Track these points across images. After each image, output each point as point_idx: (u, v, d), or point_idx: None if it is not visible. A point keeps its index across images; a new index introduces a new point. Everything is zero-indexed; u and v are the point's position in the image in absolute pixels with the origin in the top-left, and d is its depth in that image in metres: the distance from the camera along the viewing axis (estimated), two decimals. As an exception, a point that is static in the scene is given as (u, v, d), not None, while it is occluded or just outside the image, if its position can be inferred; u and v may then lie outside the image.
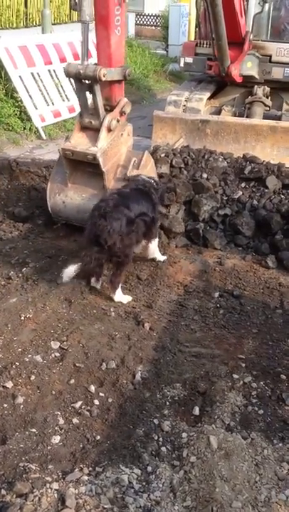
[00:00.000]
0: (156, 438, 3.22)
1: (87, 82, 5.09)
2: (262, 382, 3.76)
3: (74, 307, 4.49)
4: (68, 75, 5.19)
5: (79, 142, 5.36)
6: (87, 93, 5.20)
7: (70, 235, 5.73)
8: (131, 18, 21.91)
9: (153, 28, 24.96)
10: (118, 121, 5.38)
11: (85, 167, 5.51)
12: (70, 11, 17.63)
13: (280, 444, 3.22)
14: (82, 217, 5.25)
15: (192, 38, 13.79)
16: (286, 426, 3.40)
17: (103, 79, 4.93)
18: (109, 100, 5.40)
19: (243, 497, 2.80)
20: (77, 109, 11.21)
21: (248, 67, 9.17)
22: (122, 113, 5.45)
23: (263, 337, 4.31)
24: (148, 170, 5.70)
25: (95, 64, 5.13)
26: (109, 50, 5.21)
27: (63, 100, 10.96)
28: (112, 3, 4.99)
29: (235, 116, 9.34)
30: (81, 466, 2.97)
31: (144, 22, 25.94)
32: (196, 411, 3.49)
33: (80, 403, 3.49)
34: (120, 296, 4.61)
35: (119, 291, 4.60)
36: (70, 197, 5.62)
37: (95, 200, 5.17)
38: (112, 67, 5.23)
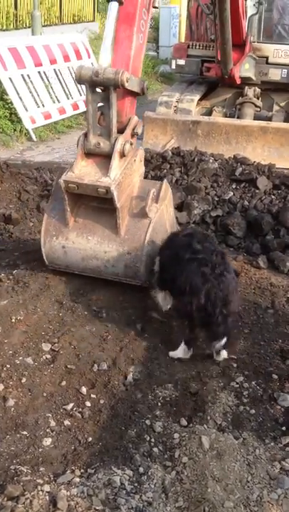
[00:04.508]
0: (148, 439, 3.21)
1: (101, 90, 4.25)
2: (254, 382, 3.76)
3: (65, 309, 4.47)
4: (80, 80, 4.20)
5: (85, 172, 4.37)
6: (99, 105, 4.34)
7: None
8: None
9: (144, 29, 25.00)
10: (131, 144, 4.44)
11: (89, 201, 4.53)
12: (61, 13, 17.58)
13: (272, 444, 3.22)
14: (88, 266, 4.60)
15: (183, 39, 13.80)
16: (278, 425, 3.41)
17: (126, 85, 4.12)
18: (119, 116, 4.43)
19: (235, 497, 2.80)
20: (68, 111, 11.42)
21: (245, 68, 9.22)
22: (133, 134, 4.54)
23: (255, 337, 4.31)
24: (167, 203, 4.83)
25: None
26: (129, 52, 4.48)
27: (54, 102, 11.00)
28: (141, 3, 4.47)
29: (226, 117, 9.38)
30: (73, 468, 2.96)
31: (135, 24, 25.98)
32: (188, 411, 3.48)
33: (71, 405, 3.47)
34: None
35: None
36: (73, 240, 4.57)
37: (105, 243, 4.48)
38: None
